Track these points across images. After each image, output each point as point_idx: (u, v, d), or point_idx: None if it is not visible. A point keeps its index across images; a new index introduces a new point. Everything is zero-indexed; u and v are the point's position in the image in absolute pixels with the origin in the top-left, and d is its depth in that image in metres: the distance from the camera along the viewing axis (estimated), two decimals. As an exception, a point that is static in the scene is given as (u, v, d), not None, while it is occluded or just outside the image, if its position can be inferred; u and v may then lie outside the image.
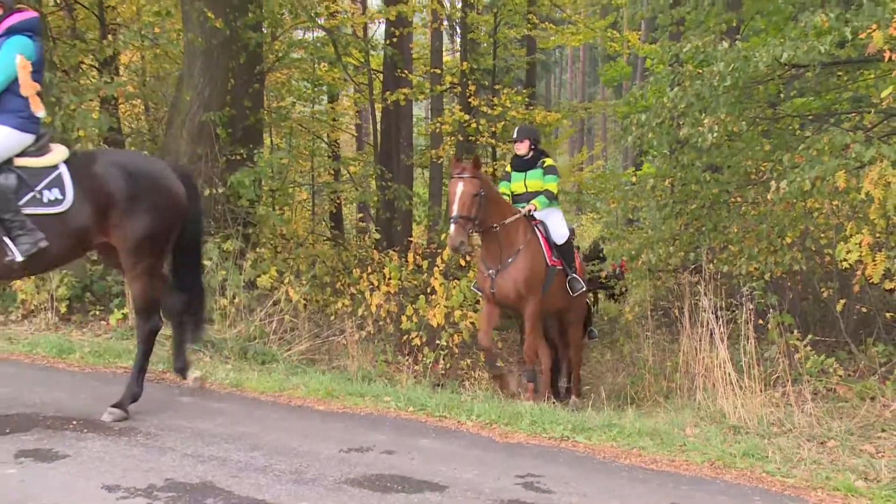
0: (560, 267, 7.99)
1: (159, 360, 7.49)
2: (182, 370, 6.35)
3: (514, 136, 8.40)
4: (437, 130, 15.89)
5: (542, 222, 8.08)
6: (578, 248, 12.13)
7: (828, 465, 5.01)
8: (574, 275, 8.06)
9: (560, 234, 8.11)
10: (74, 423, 5.28)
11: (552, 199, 8.19)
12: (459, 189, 7.18)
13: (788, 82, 8.62)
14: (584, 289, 8.17)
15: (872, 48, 5.93)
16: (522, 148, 8.25)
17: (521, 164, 8.29)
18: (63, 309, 9.03)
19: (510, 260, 7.57)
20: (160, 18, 11.95)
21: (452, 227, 7.12)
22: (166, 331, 8.41)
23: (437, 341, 8.70)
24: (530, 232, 7.83)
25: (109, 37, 12.18)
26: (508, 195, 8.26)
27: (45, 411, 5.54)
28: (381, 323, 9.01)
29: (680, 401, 6.90)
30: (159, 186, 5.56)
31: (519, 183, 8.27)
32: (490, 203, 7.38)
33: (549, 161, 8.36)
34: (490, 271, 7.64)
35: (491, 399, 6.75)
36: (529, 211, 7.91)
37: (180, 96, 10.27)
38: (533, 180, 8.21)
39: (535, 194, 8.11)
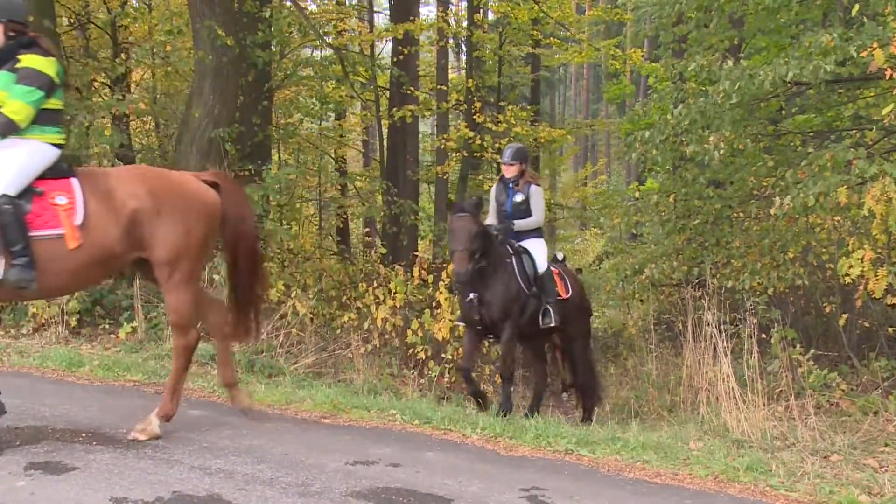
0: None
1: (168, 373, 7.48)
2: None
3: None
4: (443, 146, 15.94)
5: None
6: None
7: (831, 479, 4.97)
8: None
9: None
10: (84, 435, 5.27)
11: (9, 130, 4.76)
12: None
13: (790, 99, 8.64)
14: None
15: (874, 66, 5.94)
16: None
17: None
18: (73, 322, 9.03)
19: None
20: (172, 37, 12.03)
21: None
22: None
23: (443, 355, 8.68)
24: None
25: (122, 55, 12.28)
26: None
27: (54, 424, 5.53)
28: (386, 336, 8.99)
29: (684, 415, 6.88)
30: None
31: None
32: None
33: (28, 60, 4.79)
34: None
35: (496, 412, 6.73)
36: None
37: (190, 113, 10.30)
38: None
39: None
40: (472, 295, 6.94)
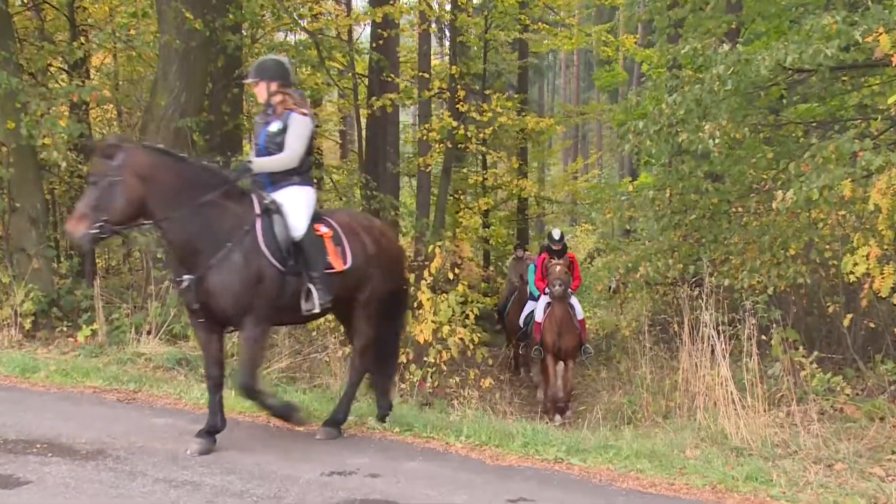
0: None
1: (130, 378, 7.42)
2: None
3: None
4: (425, 137, 15.91)
5: None
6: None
7: (835, 489, 4.99)
8: None
9: None
10: (38, 446, 5.20)
11: None
12: None
13: (791, 87, 8.67)
14: None
15: (879, 52, 5.96)
16: None
17: None
18: (28, 325, 8.93)
19: None
20: (135, 19, 11.92)
21: None
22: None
23: (425, 358, 8.66)
24: None
25: (81, 38, 12.14)
26: None
27: (6, 434, 5.45)
28: (365, 339, 8.95)
29: (679, 421, 6.88)
30: None
31: None
32: None
33: None
34: None
35: (481, 419, 6.70)
36: None
37: (155, 101, 10.21)
38: None
39: None
40: (185, 277, 5.24)
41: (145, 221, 5.22)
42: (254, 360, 5.47)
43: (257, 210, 5.44)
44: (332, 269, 5.64)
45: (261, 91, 5.71)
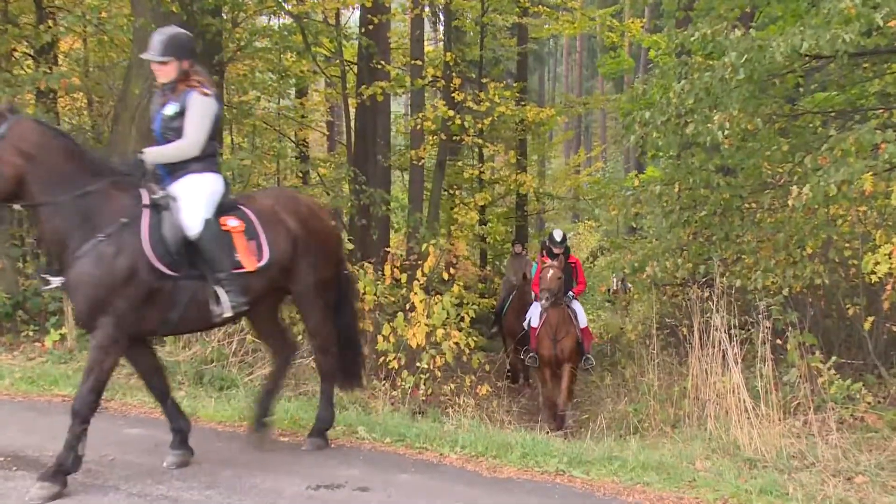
0: None
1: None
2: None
3: None
4: (418, 128, 15.88)
5: None
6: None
7: (856, 503, 4.99)
8: None
9: None
10: (2, 459, 5.19)
11: None
12: None
13: (808, 75, 8.67)
14: None
15: (902, 37, 5.97)
16: None
17: None
18: (-9, 329, 8.91)
19: None
20: (107, 1, 11.88)
21: None
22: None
23: (418, 364, 8.65)
24: None
25: (49, 21, 12.09)
26: None
27: (-31, 445, 5.44)
28: (354, 344, 8.93)
29: (689, 431, 6.89)
30: None
31: None
32: None
33: None
34: None
35: (478, 428, 6.70)
36: None
37: (129, 89, 10.18)
38: None
39: None
40: (55, 279, 4.95)
41: (21, 202, 4.86)
42: (98, 375, 4.85)
43: (145, 202, 5.01)
44: (243, 268, 5.22)
45: (170, 71, 5.25)
